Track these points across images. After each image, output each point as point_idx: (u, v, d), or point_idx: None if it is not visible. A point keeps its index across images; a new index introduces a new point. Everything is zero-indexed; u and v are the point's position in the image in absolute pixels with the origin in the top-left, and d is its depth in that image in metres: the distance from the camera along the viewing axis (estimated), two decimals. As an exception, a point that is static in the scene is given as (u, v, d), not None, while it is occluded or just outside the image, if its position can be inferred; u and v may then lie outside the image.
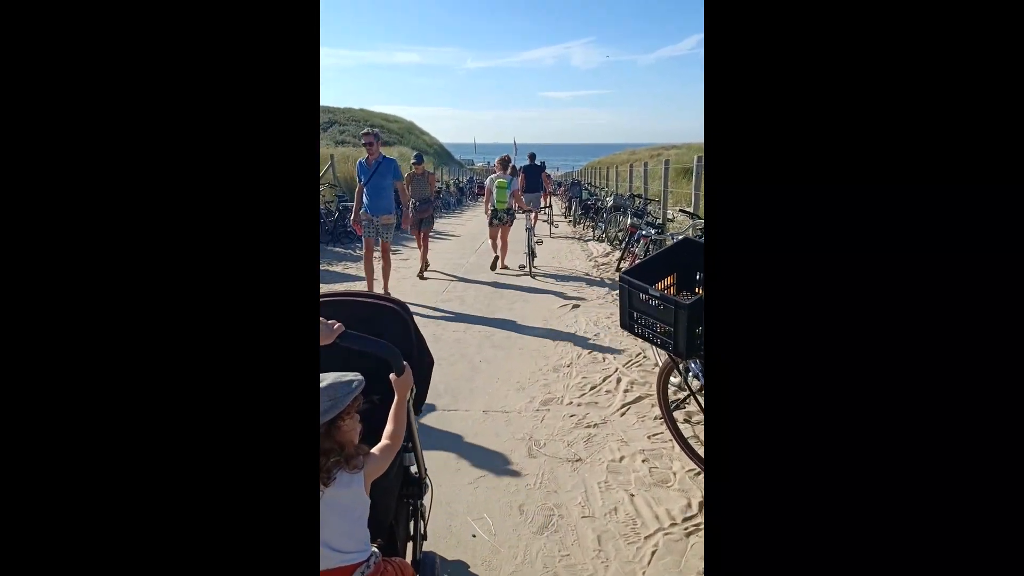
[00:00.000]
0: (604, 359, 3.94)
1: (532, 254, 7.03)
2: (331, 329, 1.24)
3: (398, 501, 1.50)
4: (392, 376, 1.28)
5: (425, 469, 1.56)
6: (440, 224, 13.08)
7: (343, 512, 1.19)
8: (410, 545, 1.57)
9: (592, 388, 3.43)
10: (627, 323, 2.29)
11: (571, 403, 3.23)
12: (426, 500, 1.60)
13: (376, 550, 1.26)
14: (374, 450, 1.27)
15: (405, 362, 1.29)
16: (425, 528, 1.63)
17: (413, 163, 7.23)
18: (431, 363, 1.64)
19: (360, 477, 1.22)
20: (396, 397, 1.31)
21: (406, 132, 36.38)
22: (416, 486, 1.54)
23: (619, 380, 3.55)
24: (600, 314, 5.10)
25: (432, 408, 3.12)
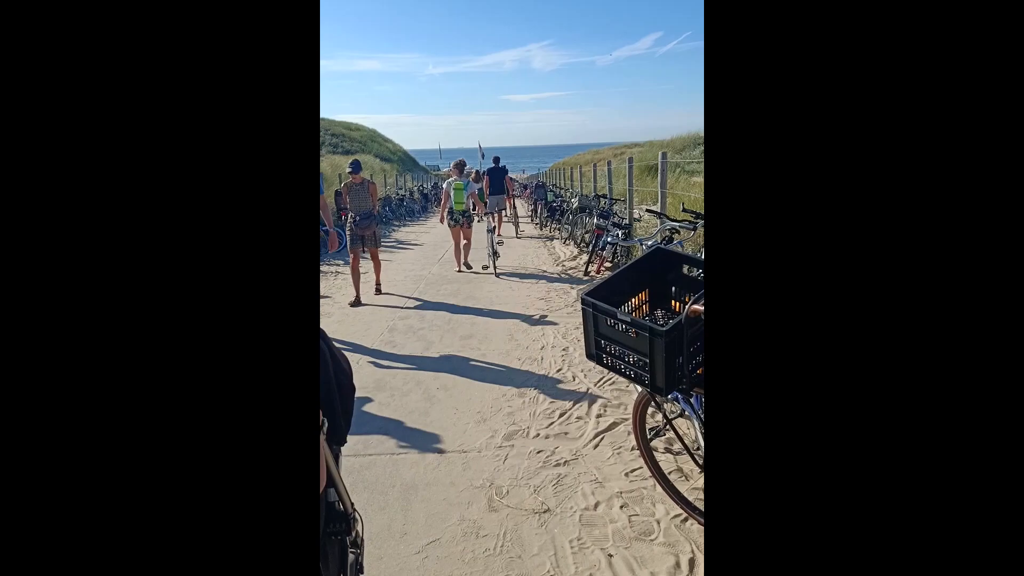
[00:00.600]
0: (574, 378, 3.60)
1: (495, 254, 7.16)
2: None
3: (324, 538, 1.32)
4: None
5: (352, 503, 1.37)
6: (403, 233, 12.62)
7: None
8: None
9: (561, 415, 3.08)
10: (593, 353, 1.94)
11: (538, 435, 2.87)
12: (359, 529, 1.39)
13: None
14: None
15: None
16: (361, 560, 1.42)
17: (349, 171, 5.91)
18: (352, 391, 1.40)
19: None
20: None
21: (368, 140, 35.54)
22: (342, 521, 1.36)
23: (591, 403, 3.21)
24: (569, 325, 4.76)
25: (378, 452, 2.72)
